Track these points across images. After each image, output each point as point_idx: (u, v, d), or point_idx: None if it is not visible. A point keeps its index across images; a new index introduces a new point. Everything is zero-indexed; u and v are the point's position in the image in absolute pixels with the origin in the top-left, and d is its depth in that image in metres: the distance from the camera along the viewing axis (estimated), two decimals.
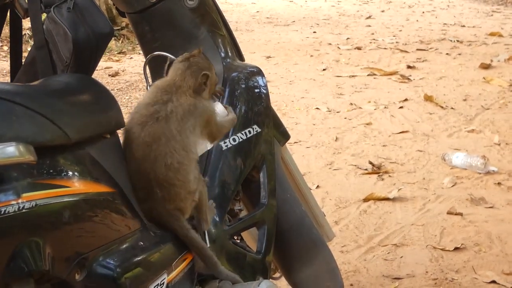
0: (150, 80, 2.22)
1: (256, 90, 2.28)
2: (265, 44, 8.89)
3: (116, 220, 1.60)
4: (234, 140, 2.15)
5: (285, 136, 2.51)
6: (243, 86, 2.25)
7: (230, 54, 2.29)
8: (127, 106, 5.91)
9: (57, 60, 2.01)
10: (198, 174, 1.84)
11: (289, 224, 2.33)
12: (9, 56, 2.20)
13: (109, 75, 7.01)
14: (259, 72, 2.32)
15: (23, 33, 2.22)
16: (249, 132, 2.19)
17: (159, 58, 2.16)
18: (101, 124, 1.66)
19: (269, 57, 8.06)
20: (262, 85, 2.31)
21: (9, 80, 2.19)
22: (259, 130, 2.21)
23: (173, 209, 1.78)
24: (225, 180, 2.10)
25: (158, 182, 1.75)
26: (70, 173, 1.47)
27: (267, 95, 2.31)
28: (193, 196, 1.81)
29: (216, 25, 2.27)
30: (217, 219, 2.02)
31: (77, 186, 1.47)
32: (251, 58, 7.76)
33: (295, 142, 5.06)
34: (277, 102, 6.08)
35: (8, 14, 2.15)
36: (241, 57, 2.37)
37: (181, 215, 1.80)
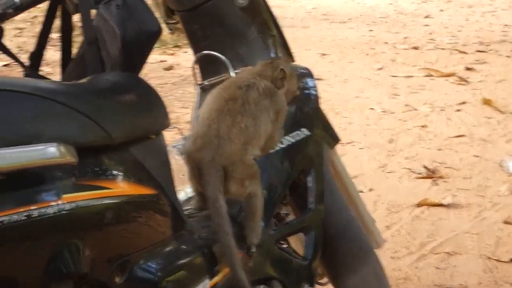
0: (198, 78, 2.18)
1: (305, 92, 2.22)
2: (320, 41, 8.80)
3: (158, 223, 1.56)
4: (281, 142, 2.09)
5: (335, 138, 2.44)
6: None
7: (280, 55, 2.23)
8: (180, 101, 5.90)
9: (106, 57, 1.97)
10: (255, 164, 1.80)
11: (336, 229, 2.27)
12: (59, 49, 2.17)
13: (163, 68, 7.02)
14: (308, 74, 2.26)
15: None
16: (298, 135, 2.13)
17: (208, 57, 2.11)
18: (146, 125, 1.62)
19: (324, 54, 7.98)
20: (312, 86, 2.25)
21: (59, 75, 2.17)
22: (308, 133, 2.15)
23: (219, 165, 1.71)
24: (272, 183, 2.04)
25: (219, 134, 1.73)
26: (113, 174, 1.44)
27: (316, 97, 2.24)
28: (243, 173, 1.75)
29: (267, 25, 2.21)
30: (263, 223, 1.96)
31: (119, 187, 1.43)
32: (306, 55, 7.70)
33: (348, 143, 4.99)
34: (330, 101, 6.00)
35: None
36: (291, 58, 2.32)
37: (220, 175, 1.71)
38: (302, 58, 7.45)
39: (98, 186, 1.38)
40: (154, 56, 7.33)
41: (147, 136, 1.61)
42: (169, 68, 7.00)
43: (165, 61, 7.32)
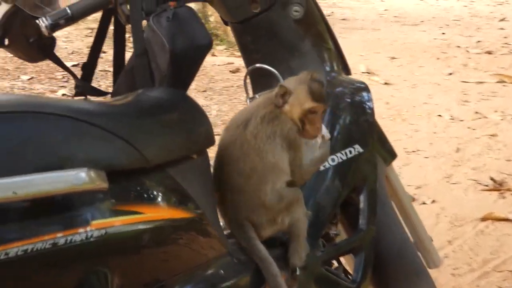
0: (250, 91, 2.14)
1: (360, 107, 2.15)
2: (390, 44, 8.65)
3: (196, 246, 1.52)
4: (333, 160, 2.02)
5: (391, 154, 2.36)
6: (347, 102, 2.12)
7: (335, 68, 2.17)
8: (244, 104, 5.87)
9: (156, 70, 1.95)
10: (289, 193, 1.73)
11: (389, 251, 2.19)
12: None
13: (230, 71, 7.00)
14: (365, 88, 2.19)
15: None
16: (350, 152, 2.06)
17: (260, 70, 2.07)
18: (187, 145, 1.58)
19: (394, 58, 7.84)
20: (368, 101, 2.17)
21: (111, 84, 2.15)
22: (361, 150, 2.08)
23: (242, 219, 1.69)
24: (321, 202, 1.98)
25: (230, 186, 1.69)
26: (146, 198, 1.40)
27: (372, 112, 2.17)
28: (271, 214, 1.71)
29: (322, 37, 2.15)
30: (309, 244, 1.90)
31: (153, 212, 1.40)
32: (375, 58, 7.58)
33: (412, 151, 4.87)
34: (397, 107, 5.89)
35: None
36: (347, 71, 2.25)
37: (250, 229, 1.70)
38: (371, 61, 7.34)
39: (131, 211, 1.34)
40: (222, 58, 7.33)
41: (188, 156, 1.57)
42: (236, 70, 6.98)
43: (232, 63, 7.30)
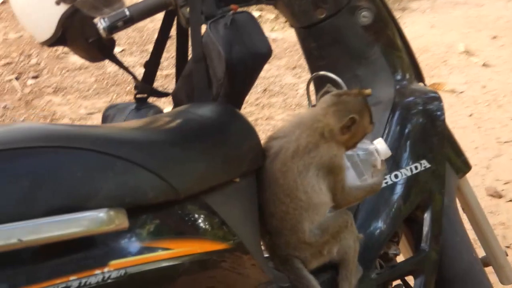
0: (313, 99, 2.05)
1: (431, 119, 2.03)
2: (494, 21, 8.24)
3: (232, 279, 1.45)
4: (396, 176, 1.92)
5: (465, 166, 2.23)
6: (416, 114, 2.01)
7: (407, 76, 2.05)
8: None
9: (213, 77, 1.88)
10: (333, 223, 1.63)
11: (454, 273, 2.07)
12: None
13: None
14: (437, 98, 2.06)
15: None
16: (416, 167, 1.95)
17: (325, 77, 1.97)
18: (228, 170, 1.50)
19: (496, 37, 7.47)
20: (439, 112, 2.05)
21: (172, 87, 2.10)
22: (428, 166, 1.96)
23: (286, 255, 1.61)
24: (380, 222, 1.88)
25: (267, 227, 1.60)
26: (175, 232, 1.33)
27: (443, 124, 2.05)
28: (316, 248, 1.62)
29: (392, 43, 2.04)
30: (364, 266, 1.81)
31: (181, 247, 1.32)
32: (475, 37, 7.25)
33: (506, 142, 4.65)
34: (495, 92, 5.62)
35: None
36: (420, 79, 2.12)
37: (296, 261, 1.62)
38: (471, 40, 7.01)
39: (155, 248, 1.27)
40: None
41: (230, 180, 1.50)
42: None
43: None
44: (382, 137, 1.94)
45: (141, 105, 2.11)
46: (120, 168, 1.28)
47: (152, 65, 2.11)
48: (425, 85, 2.18)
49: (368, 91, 1.96)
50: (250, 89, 1.90)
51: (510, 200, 3.84)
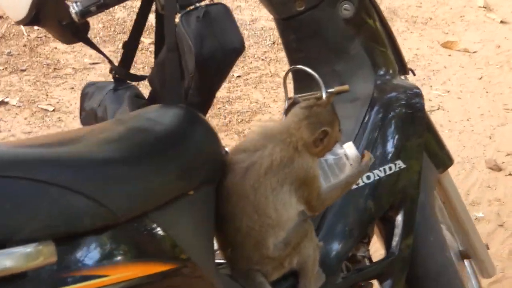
0: (289, 93, 2.00)
1: (411, 117, 1.97)
2: None
3: None
4: (368, 178, 1.87)
5: (448, 160, 2.18)
6: (395, 111, 1.95)
7: (390, 71, 1.99)
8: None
9: (185, 68, 1.84)
10: (295, 235, 1.58)
11: (426, 272, 2.04)
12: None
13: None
14: (419, 94, 2.00)
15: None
16: (390, 168, 1.90)
17: (303, 71, 1.92)
18: (180, 184, 1.43)
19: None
20: (420, 110, 1.99)
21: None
22: (403, 166, 1.92)
23: (246, 269, 1.58)
24: (348, 225, 1.85)
25: (230, 240, 1.57)
26: (112, 257, 1.27)
27: (423, 121, 1.99)
28: (278, 261, 1.59)
29: (375, 37, 1.97)
30: (329, 269, 1.79)
31: (119, 272, 1.26)
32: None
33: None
34: (508, 52, 5.47)
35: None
36: (404, 71, 2.06)
37: (259, 276, 1.59)
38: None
39: (90, 276, 1.21)
40: None
41: (183, 193, 1.46)
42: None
43: None
44: (357, 135, 1.90)
45: (119, 85, 2.08)
46: (51, 195, 1.21)
47: (130, 47, 2.07)
48: (413, 74, 2.12)
49: (345, 87, 1.92)
50: (221, 83, 1.86)
51: (510, 174, 3.78)
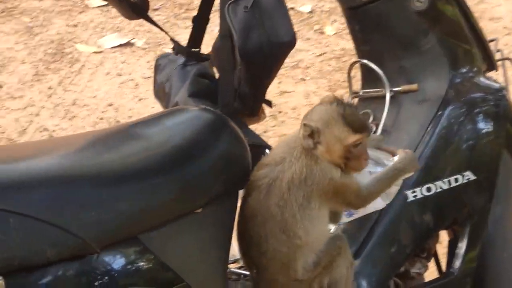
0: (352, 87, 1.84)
1: (491, 121, 1.75)
2: None
3: None
4: (428, 189, 1.69)
5: None
6: (472, 114, 1.74)
7: (474, 68, 1.75)
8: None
9: (237, 57, 1.73)
10: (326, 253, 1.44)
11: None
12: None
13: None
14: (503, 95, 1.77)
15: None
16: (456, 180, 1.71)
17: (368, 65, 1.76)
18: (180, 204, 1.30)
19: None
20: (503, 115, 1.77)
21: None
22: (472, 177, 1.71)
23: None
24: (400, 239, 1.68)
25: (254, 262, 1.44)
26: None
27: (505, 128, 1.77)
28: (307, 284, 1.44)
29: (454, 31, 1.74)
30: (375, 286, 1.66)
31: None
32: None
33: None
34: None
35: None
36: (491, 66, 1.83)
37: None
38: None
39: None
40: None
41: (186, 213, 1.31)
42: None
43: None
44: (420, 141, 1.71)
45: (189, 60, 2.00)
46: (9, 225, 1.10)
47: (199, 22, 1.97)
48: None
49: (413, 86, 1.73)
50: (271, 77, 1.71)
51: None
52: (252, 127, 1.82)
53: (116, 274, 1.23)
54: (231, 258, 1.60)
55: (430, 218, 1.70)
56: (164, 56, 2.09)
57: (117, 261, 1.23)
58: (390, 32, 1.73)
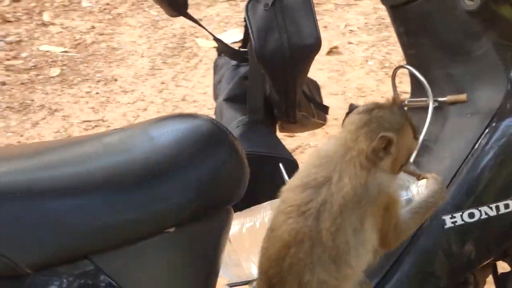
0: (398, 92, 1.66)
1: None
2: None
3: None
4: (471, 215, 1.48)
5: None
6: None
7: None
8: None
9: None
10: None
11: None
12: None
13: None
14: None
15: None
16: (507, 206, 1.48)
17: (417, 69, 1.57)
18: (141, 224, 1.17)
19: None
20: None
21: None
22: None
23: None
24: (433, 271, 1.50)
25: None
26: None
27: None
28: None
29: (511, 35, 1.52)
30: None
31: None
32: None
33: None
34: None
35: None
36: None
37: None
38: None
39: None
40: None
41: (153, 232, 1.19)
42: None
43: None
44: (465, 160, 1.50)
45: (241, 62, 1.90)
46: None
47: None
48: None
49: (462, 96, 1.53)
50: (298, 83, 1.57)
51: None
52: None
53: None
54: (238, 280, 1.49)
55: (472, 248, 1.50)
56: (220, 57, 2.00)
57: (59, 283, 1.14)
58: (436, 34, 1.54)
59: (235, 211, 1.50)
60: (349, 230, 1.21)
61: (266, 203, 1.52)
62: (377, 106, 1.29)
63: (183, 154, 1.24)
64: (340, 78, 3.67)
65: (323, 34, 4.18)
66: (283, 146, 1.66)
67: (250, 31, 1.53)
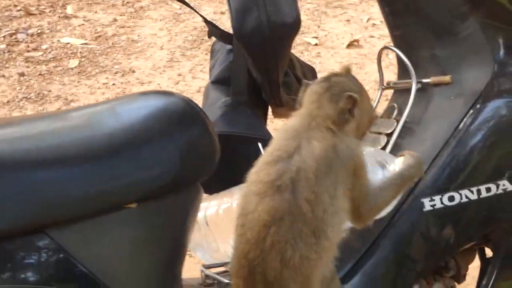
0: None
1: None
2: None
3: None
4: (451, 199, 1.45)
5: None
6: None
7: None
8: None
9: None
10: (330, 272, 1.26)
11: None
12: None
13: None
14: None
15: None
16: (488, 189, 1.45)
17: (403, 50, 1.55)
18: (100, 198, 1.17)
19: None
20: None
21: None
22: (509, 188, 1.45)
23: None
24: (410, 255, 1.46)
25: (267, 280, 1.20)
26: None
27: None
28: None
29: (501, 14, 1.47)
30: None
31: None
32: None
33: None
34: None
35: None
36: None
37: None
38: None
39: None
40: None
41: (112, 207, 1.18)
42: None
43: None
44: (447, 141, 1.47)
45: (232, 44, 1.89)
46: None
47: None
48: None
49: (446, 78, 1.50)
50: (279, 63, 1.55)
51: None
52: None
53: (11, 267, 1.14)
54: (214, 262, 1.48)
55: (451, 232, 1.46)
56: (217, 41, 1.99)
57: (16, 256, 1.14)
58: (422, 15, 1.51)
59: (212, 193, 1.50)
60: (326, 196, 1.18)
61: (243, 184, 1.51)
62: (334, 74, 1.29)
63: (149, 130, 1.24)
64: (359, 71, 3.63)
65: (346, 28, 4.16)
66: (265, 128, 1.64)
67: (229, 10, 1.52)
